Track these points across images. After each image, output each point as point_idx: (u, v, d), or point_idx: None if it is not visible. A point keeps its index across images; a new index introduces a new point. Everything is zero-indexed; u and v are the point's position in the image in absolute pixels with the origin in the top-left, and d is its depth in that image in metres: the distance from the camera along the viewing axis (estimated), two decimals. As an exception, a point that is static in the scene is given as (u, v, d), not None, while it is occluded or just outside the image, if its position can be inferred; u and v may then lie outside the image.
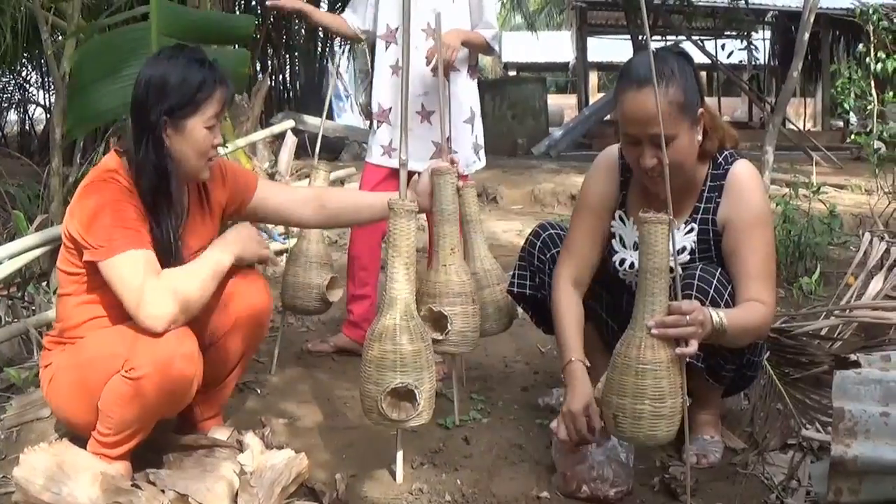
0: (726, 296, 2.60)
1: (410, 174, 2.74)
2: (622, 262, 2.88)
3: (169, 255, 2.52)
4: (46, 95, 13.30)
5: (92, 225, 2.41)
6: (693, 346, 2.31)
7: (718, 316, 2.41)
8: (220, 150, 2.74)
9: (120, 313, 2.42)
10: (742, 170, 2.72)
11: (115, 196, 2.45)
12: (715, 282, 2.61)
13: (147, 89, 2.48)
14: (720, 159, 2.74)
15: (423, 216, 3.47)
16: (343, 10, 4.11)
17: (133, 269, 2.37)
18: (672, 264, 2.33)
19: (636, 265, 2.83)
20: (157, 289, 2.37)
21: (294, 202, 2.94)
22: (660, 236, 2.27)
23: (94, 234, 2.40)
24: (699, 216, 2.75)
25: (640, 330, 2.31)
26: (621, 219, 2.89)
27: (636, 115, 2.56)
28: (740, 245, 2.65)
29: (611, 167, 2.90)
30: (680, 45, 3.16)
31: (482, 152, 3.99)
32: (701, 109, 2.64)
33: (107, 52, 3.65)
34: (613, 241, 2.90)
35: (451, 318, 2.84)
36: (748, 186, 2.70)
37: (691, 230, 2.76)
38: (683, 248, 2.77)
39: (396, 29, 3.79)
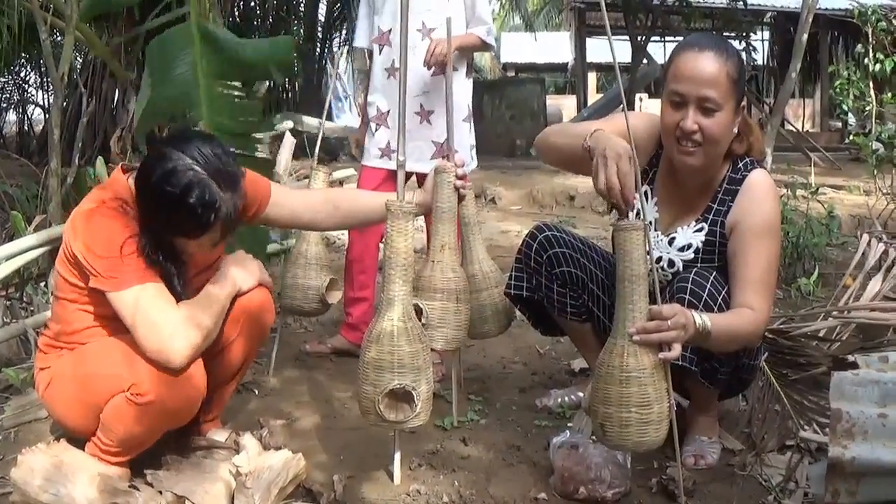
0: (720, 300, 2.60)
1: (409, 175, 2.74)
2: None
3: (173, 276, 2.49)
4: (45, 96, 13.31)
5: (99, 253, 2.37)
6: (676, 350, 2.29)
7: (701, 319, 2.39)
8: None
9: (122, 325, 2.39)
10: (759, 178, 2.72)
11: (122, 222, 2.41)
12: (709, 286, 2.61)
13: (156, 198, 2.37)
14: (740, 164, 2.74)
15: (421, 219, 3.47)
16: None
17: (146, 305, 2.35)
18: (651, 269, 2.33)
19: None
20: (175, 325, 2.35)
21: (307, 205, 2.90)
22: (635, 243, 2.27)
23: (100, 262, 2.36)
24: (710, 217, 2.75)
25: (622, 337, 2.30)
26: (646, 195, 2.88)
27: (691, 73, 2.59)
28: (743, 250, 2.65)
29: (654, 127, 2.84)
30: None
31: (474, 152, 3.99)
32: (743, 104, 2.68)
33: (155, 56, 3.79)
34: (631, 214, 2.90)
35: (426, 311, 2.83)
36: (762, 194, 2.70)
37: (700, 229, 2.76)
38: (690, 246, 2.77)
39: (389, 31, 3.79)
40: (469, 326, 3.05)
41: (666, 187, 2.85)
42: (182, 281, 2.53)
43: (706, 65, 2.57)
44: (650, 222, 2.83)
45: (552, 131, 2.91)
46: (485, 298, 3.16)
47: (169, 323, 2.35)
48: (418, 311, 2.82)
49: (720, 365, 2.68)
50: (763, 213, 2.67)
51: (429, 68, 3.65)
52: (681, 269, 2.77)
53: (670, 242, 2.81)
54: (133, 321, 2.35)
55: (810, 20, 4.67)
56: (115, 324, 2.43)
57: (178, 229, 2.42)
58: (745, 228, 2.67)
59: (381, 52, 3.86)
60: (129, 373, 2.33)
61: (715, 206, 2.75)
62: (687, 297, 2.59)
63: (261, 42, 3.92)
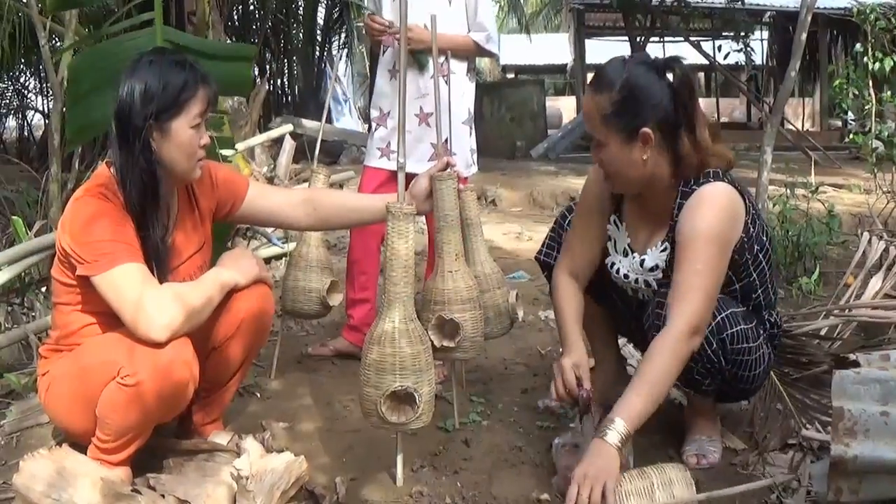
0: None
1: (409, 176, 2.74)
2: (612, 265, 2.89)
3: (157, 263, 2.51)
4: (45, 101, 13.33)
5: (83, 239, 2.39)
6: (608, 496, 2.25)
7: (616, 431, 2.34)
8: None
9: (116, 321, 2.40)
10: (707, 189, 2.61)
11: (105, 209, 2.43)
12: None
13: (130, 97, 2.45)
14: (692, 181, 2.64)
15: (422, 219, 3.46)
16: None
17: (129, 283, 2.35)
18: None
19: (622, 272, 2.84)
20: (158, 299, 2.35)
21: (285, 205, 2.92)
22: None
23: (86, 248, 2.38)
24: (671, 235, 2.69)
25: None
26: (616, 223, 2.89)
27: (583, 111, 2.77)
28: (678, 258, 2.59)
29: None
30: (676, 54, 3.18)
31: (475, 156, 3.99)
32: (645, 130, 2.57)
33: (106, 60, 3.61)
34: (609, 244, 2.91)
35: (462, 324, 2.84)
36: (705, 203, 2.59)
37: (665, 249, 2.73)
38: (657, 266, 2.75)
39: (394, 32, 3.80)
40: None
41: (635, 210, 2.85)
42: (164, 246, 2.56)
43: (584, 103, 2.72)
44: (624, 248, 2.86)
45: (556, 303, 2.92)
46: (487, 300, 3.16)
47: (151, 297, 2.35)
48: (454, 327, 2.83)
49: (702, 377, 2.67)
50: (699, 220, 2.57)
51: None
52: (656, 288, 2.77)
53: (641, 264, 2.81)
54: (117, 299, 2.36)
55: (809, 19, 4.68)
56: (110, 319, 2.44)
57: (164, 102, 2.46)
58: (682, 236, 2.59)
59: (384, 53, 3.88)
60: (119, 358, 2.33)
61: (674, 223, 2.68)
62: (665, 312, 2.59)
63: (222, 51, 3.76)
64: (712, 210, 2.57)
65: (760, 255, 2.73)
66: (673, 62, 2.70)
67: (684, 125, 2.61)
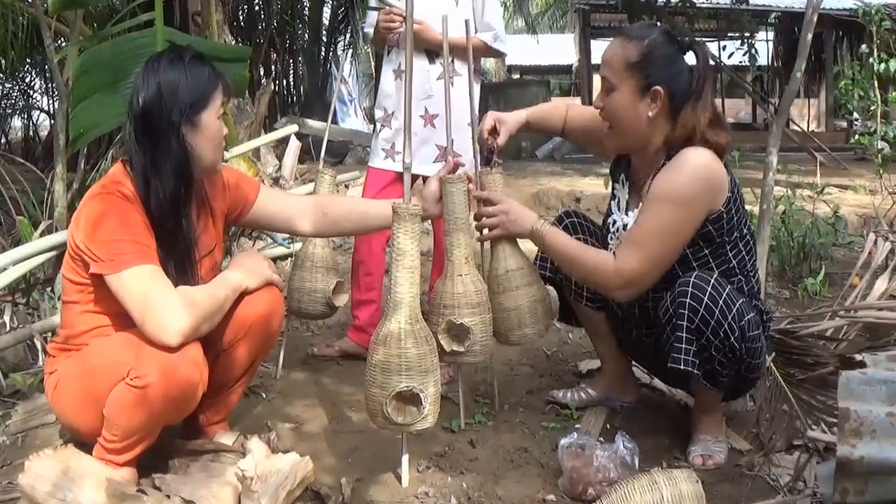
0: (721, 303, 2.61)
1: (414, 178, 2.74)
2: (614, 223, 2.96)
3: (186, 261, 2.54)
4: (50, 101, 13.36)
5: (99, 237, 2.38)
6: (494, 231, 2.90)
7: (539, 225, 2.87)
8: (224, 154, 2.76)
9: (126, 322, 2.40)
10: (688, 152, 2.69)
11: (121, 208, 2.43)
12: (711, 287, 2.63)
13: (159, 94, 2.48)
14: (679, 148, 2.73)
15: (428, 221, 3.45)
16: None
17: (143, 285, 2.35)
18: None
19: (620, 228, 2.93)
20: (171, 303, 2.34)
21: (295, 210, 2.93)
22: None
23: (101, 247, 2.38)
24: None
25: None
26: (622, 182, 2.96)
27: (602, 58, 2.83)
28: (640, 212, 2.72)
29: None
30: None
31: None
32: (657, 89, 2.70)
33: (109, 61, 3.60)
34: (612, 202, 3.00)
35: (471, 328, 2.84)
36: (681, 164, 2.68)
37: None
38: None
39: (400, 33, 3.79)
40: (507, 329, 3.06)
41: (635, 174, 2.94)
42: (195, 257, 2.59)
43: (607, 49, 2.80)
44: (624, 207, 2.95)
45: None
46: (522, 296, 3.11)
47: (165, 300, 2.34)
48: (464, 332, 2.82)
49: (722, 368, 2.68)
50: (668, 179, 2.68)
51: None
52: None
53: (625, 227, 2.88)
54: (129, 301, 2.35)
55: (815, 20, 4.66)
56: (120, 320, 2.44)
57: (194, 96, 2.51)
58: (650, 193, 2.71)
59: (389, 53, 3.88)
60: (128, 359, 2.33)
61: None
62: (688, 300, 2.62)
63: (219, 52, 3.76)
64: (684, 173, 2.67)
65: (740, 244, 2.79)
66: (696, 44, 2.83)
67: (692, 101, 2.72)
